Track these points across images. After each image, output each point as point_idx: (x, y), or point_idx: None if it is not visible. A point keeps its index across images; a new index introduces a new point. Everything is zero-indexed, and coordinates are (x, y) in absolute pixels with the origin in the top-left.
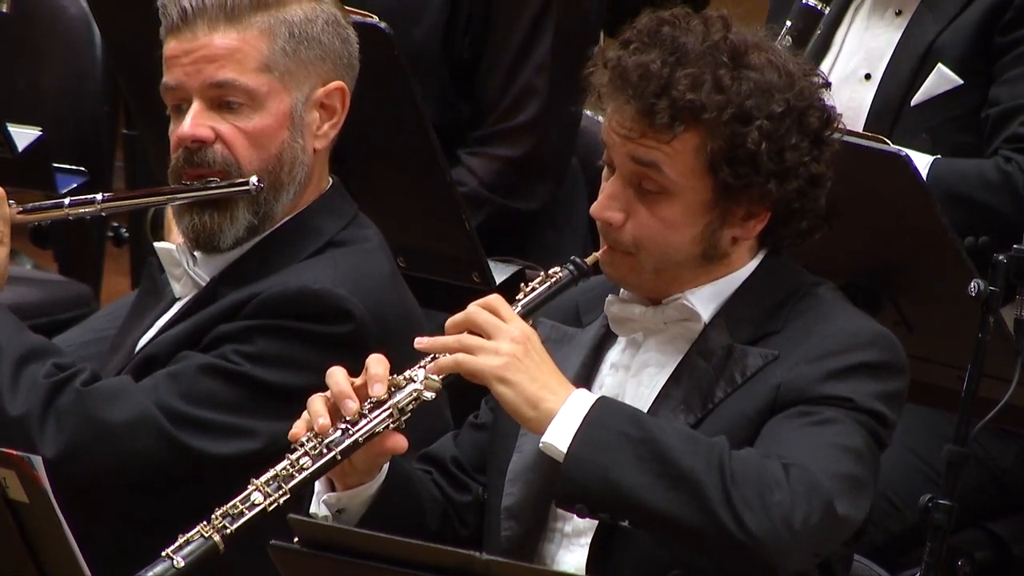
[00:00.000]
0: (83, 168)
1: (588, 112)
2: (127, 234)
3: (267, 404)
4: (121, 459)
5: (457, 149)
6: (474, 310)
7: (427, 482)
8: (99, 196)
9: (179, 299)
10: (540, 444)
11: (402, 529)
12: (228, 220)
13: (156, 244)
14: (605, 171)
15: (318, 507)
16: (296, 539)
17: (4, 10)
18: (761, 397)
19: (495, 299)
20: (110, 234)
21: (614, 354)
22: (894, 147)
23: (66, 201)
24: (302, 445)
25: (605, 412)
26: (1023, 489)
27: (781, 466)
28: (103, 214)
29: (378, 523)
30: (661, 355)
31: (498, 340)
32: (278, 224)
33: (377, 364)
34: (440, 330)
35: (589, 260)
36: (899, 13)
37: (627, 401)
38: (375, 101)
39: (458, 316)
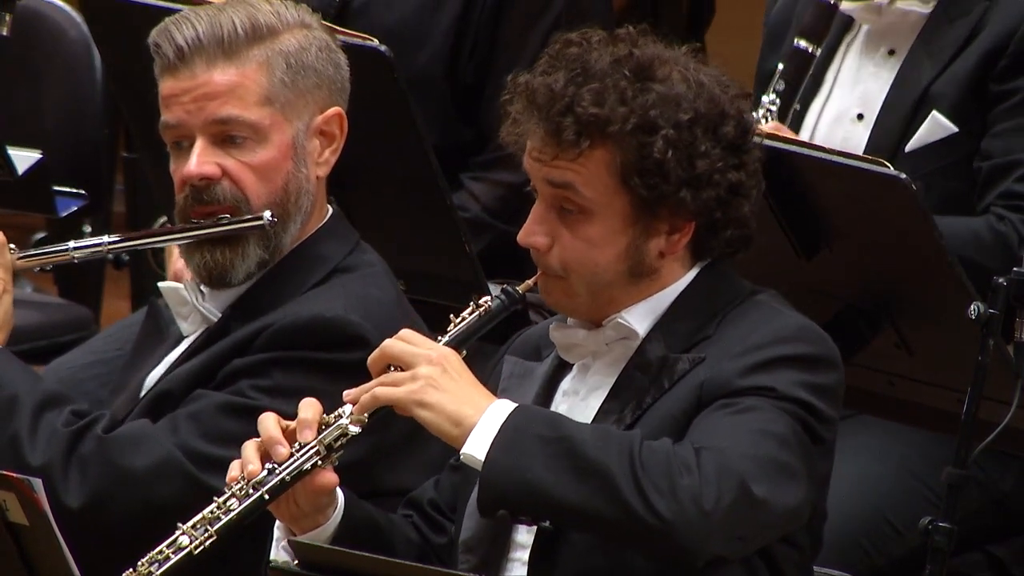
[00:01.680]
0: (83, 191)
1: None
2: (127, 257)
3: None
4: (147, 506)
5: (459, 173)
6: (388, 342)
7: (404, 525)
8: (106, 238)
9: (186, 336)
10: (460, 456)
11: None
12: (240, 256)
13: (161, 284)
14: (537, 200)
15: (278, 553)
16: (295, 561)
17: (4, 33)
18: (686, 397)
19: (407, 332)
20: (110, 258)
21: (566, 382)
22: (894, 170)
23: (71, 244)
24: (229, 488)
25: (522, 417)
26: (1023, 512)
27: (693, 451)
28: (110, 256)
29: None
30: (606, 376)
31: (415, 367)
32: (284, 254)
33: (307, 408)
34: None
35: (521, 287)
36: (891, 53)
37: None
38: (375, 124)
39: (375, 353)
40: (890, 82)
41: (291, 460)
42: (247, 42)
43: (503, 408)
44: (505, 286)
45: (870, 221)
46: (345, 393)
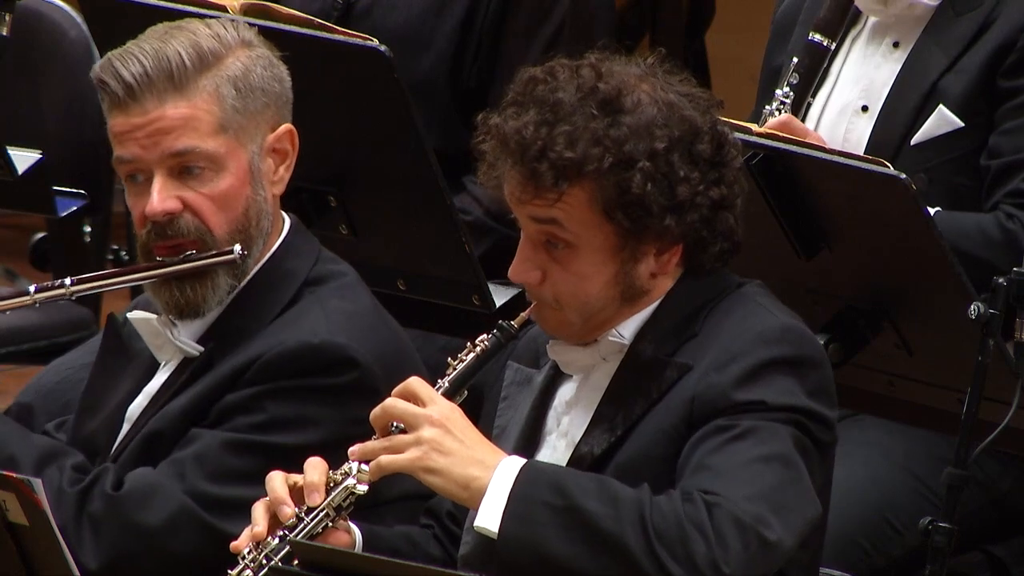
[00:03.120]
0: (83, 191)
1: None
2: (127, 257)
3: (292, 467)
4: (167, 561)
5: (462, 177)
6: (390, 402)
7: (426, 541)
8: (68, 281)
9: (163, 363)
10: (473, 527)
11: None
12: (210, 289)
13: (130, 315)
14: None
15: None
16: (296, 562)
17: (4, 33)
18: (677, 411)
19: (412, 383)
20: (110, 257)
21: (566, 392)
22: (894, 170)
23: (32, 288)
24: (243, 558)
25: (528, 483)
26: (1023, 512)
27: (704, 506)
28: (73, 299)
29: None
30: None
31: (418, 429)
32: (249, 275)
33: (312, 471)
34: (441, 352)
35: (516, 322)
36: (896, 45)
37: (578, 437)
38: (375, 125)
39: (377, 410)
40: (894, 74)
41: (302, 525)
42: (195, 72)
43: (509, 471)
44: (500, 322)
45: (870, 221)
46: (350, 451)
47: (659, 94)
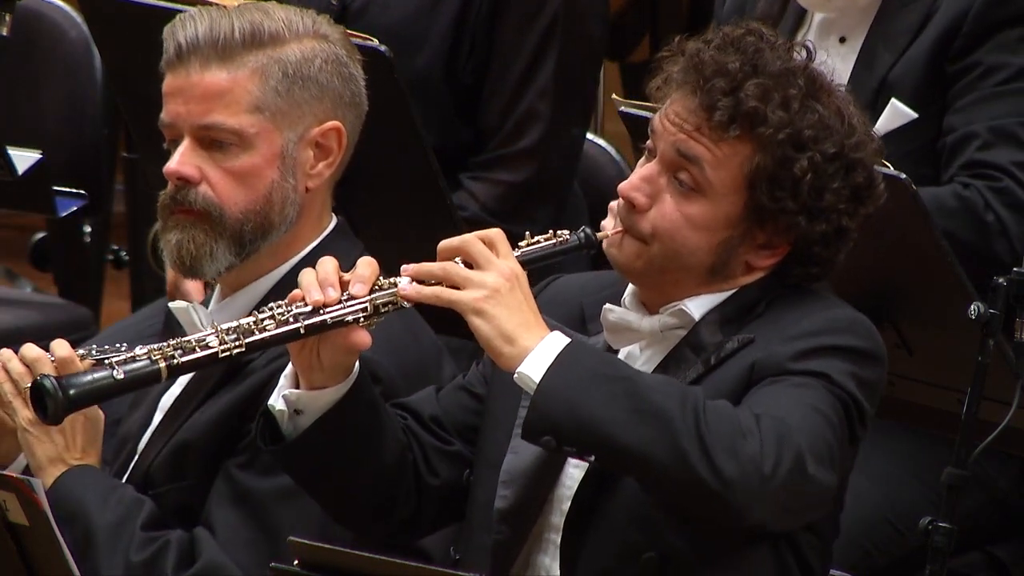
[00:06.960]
0: (83, 191)
1: (590, 136)
2: (127, 257)
3: None
4: None
5: (459, 173)
6: (470, 239)
7: (397, 423)
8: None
9: None
10: (515, 376)
11: (352, 449)
12: (207, 252)
13: (171, 304)
14: (644, 157)
15: (277, 400)
16: (296, 561)
17: (4, 33)
18: (735, 377)
19: (497, 233)
20: (110, 257)
21: None
22: (894, 170)
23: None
24: (271, 308)
25: (580, 351)
26: (1023, 512)
27: (754, 416)
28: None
29: (331, 432)
30: (655, 364)
31: (485, 272)
32: (283, 272)
33: (365, 267)
34: (452, 354)
35: (599, 234)
36: (843, 40)
37: None
38: (374, 124)
39: (453, 240)
40: (845, 71)
41: (339, 306)
42: (243, 47)
43: (560, 339)
44: (585, 228)
45: (870, 221)
46: (404, 267)
47: (848, 111)
